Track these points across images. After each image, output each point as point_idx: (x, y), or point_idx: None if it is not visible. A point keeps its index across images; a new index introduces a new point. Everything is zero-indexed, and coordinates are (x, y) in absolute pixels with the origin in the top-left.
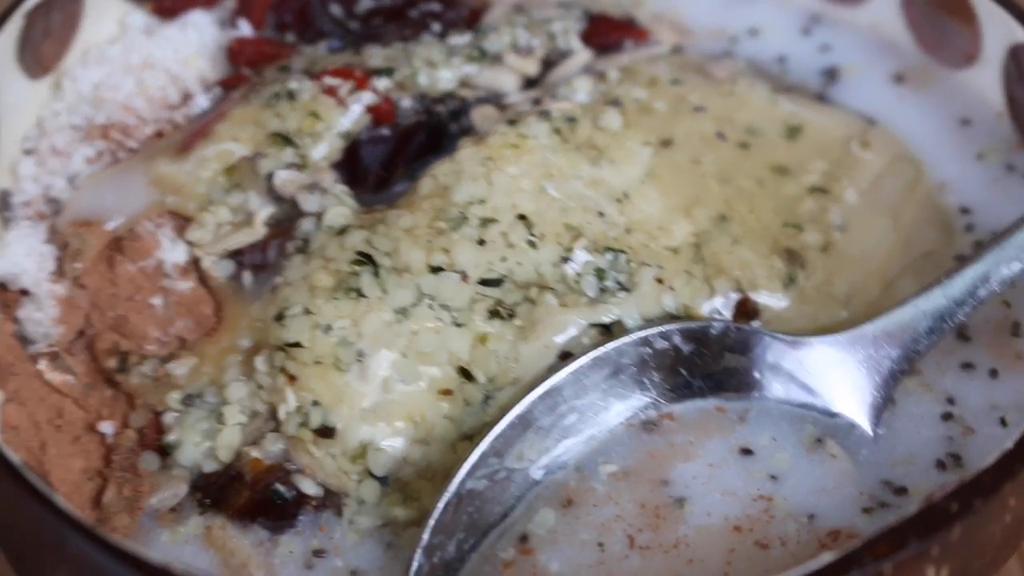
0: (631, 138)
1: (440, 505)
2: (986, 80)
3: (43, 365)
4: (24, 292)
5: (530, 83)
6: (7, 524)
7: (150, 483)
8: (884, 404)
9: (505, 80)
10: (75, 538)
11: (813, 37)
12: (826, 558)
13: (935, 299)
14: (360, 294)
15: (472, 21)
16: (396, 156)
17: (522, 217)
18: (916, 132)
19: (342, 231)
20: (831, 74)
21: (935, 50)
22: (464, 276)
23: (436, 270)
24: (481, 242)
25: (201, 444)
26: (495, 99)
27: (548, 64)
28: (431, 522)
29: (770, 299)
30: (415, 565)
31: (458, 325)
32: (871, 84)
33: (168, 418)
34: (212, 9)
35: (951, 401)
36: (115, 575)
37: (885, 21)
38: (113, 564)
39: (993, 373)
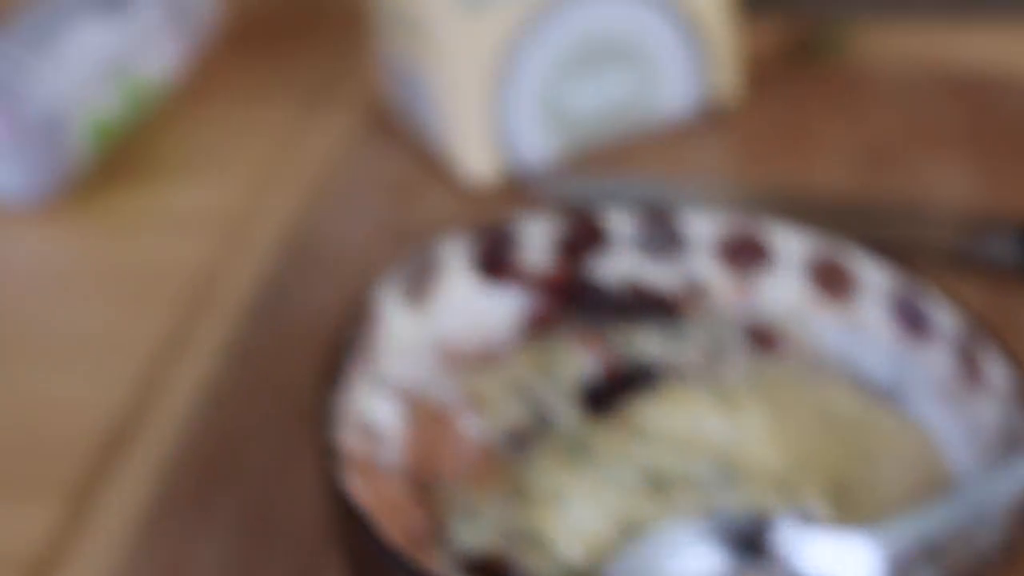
0: (757, 407)
1: None
2: None
3: (383, 478)
4: (379, 436)
5: (707, 363)
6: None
7: (431, 559)
8: None
9: (690, 356)
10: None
11: (896, 357)
12: None
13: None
14: (571, 466)
15: (674, 314)
16: (615, 392)
17: (673, 437)
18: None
19: (567, 431)
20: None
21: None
22: (634, 466)
23: (618, 459)
24: (648, 446)
25: (465, 540)
26: (682, 367)
27: (716, 352)
28: None
29: (815, 513)
30: None
31: (626, 494)
32: (926, 400)
33: (450, 522)
34: (523, 286)
35: None
36: None
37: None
38: None
39: None
